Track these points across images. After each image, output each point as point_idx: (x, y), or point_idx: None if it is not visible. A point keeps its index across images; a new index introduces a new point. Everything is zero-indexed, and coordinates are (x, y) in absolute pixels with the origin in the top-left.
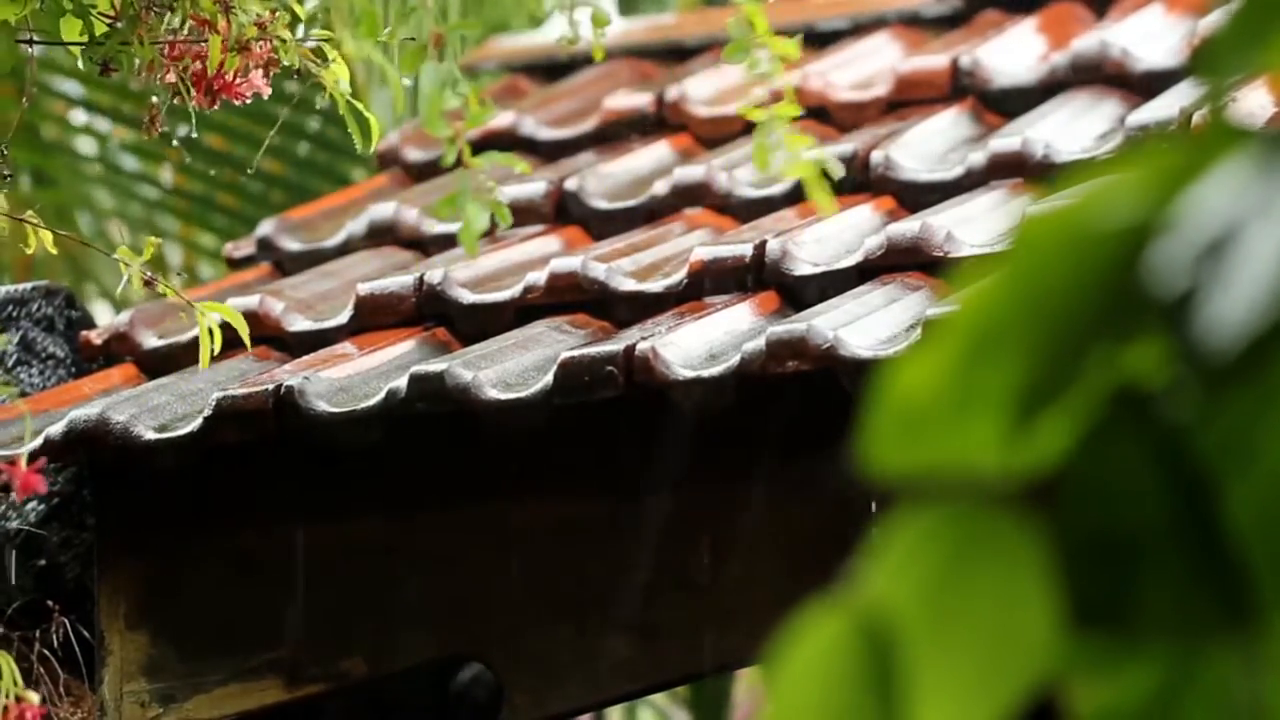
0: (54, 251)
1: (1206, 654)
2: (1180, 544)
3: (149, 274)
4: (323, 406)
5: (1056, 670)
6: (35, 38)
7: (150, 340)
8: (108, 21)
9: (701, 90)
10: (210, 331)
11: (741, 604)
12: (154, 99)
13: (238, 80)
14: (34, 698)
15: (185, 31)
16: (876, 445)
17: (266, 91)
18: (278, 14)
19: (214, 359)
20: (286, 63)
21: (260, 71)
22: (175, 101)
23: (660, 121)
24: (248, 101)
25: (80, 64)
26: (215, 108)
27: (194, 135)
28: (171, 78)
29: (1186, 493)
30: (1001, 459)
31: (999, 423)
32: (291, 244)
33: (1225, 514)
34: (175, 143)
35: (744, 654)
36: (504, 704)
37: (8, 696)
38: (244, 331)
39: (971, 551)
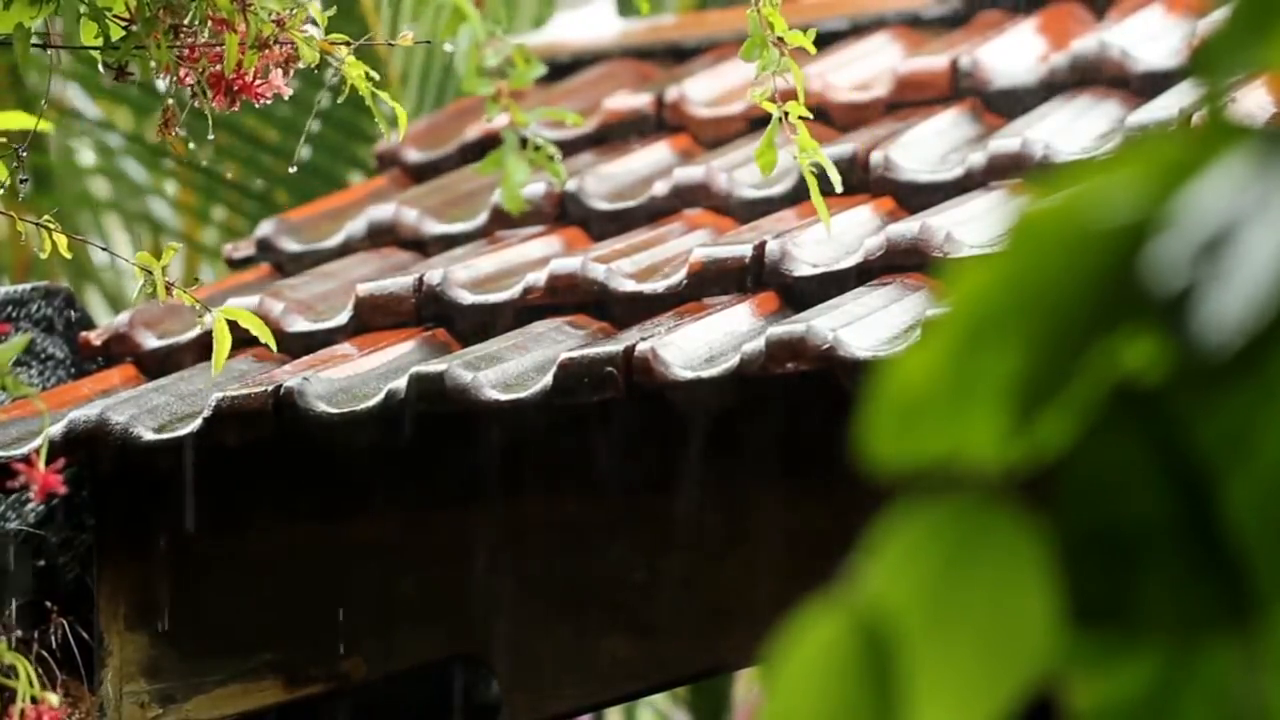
0: (68, 256)
1: (1205, 650)
2: (1179, 540)
3: (170, 280)
4: (322, 407)
5: (1055, 667)
6: (53, 42)
7: (150, 341)
8: (123, 25)
9: (701, 91)
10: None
11: (741, 604)
12: (170, 100)
13: (257, 81)
14: (54, 699)
15: (206, 34)
16: (874, 437)
17: (287, 92)
18: (295, 11)
19: None
20: (305, 62)
21: (280, 71)
22: (195, 104)
23: (660, 122)
24: (268, 102)
25: (87, 66)
26: (235, 109)
27: (210, 138)
28: (190, 80)
29: (1185, 489)
30: (1000, 451)
31: (997, 414)
32: (291, 245)
33: (1224, 510)
34: (191, 145)
35: (744, 654)
36: (504, 704)
37: (24, 699)
38: (266, 336)
39: (970, 548)
